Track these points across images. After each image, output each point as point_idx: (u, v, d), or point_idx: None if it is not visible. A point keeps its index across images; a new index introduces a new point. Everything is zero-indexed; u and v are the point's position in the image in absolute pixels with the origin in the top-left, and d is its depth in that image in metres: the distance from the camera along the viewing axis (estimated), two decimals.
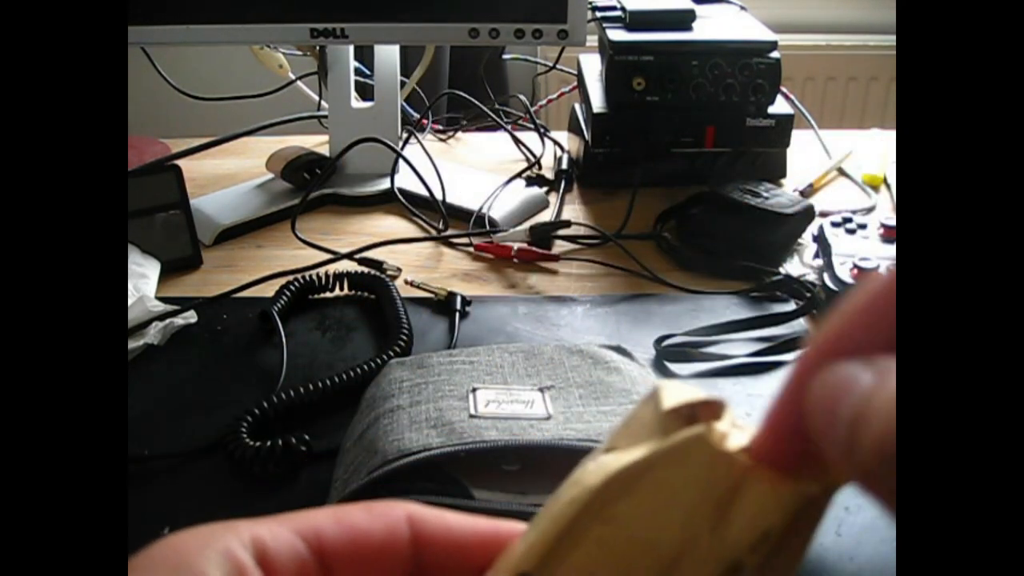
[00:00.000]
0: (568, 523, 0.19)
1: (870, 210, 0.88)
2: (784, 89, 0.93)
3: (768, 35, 0.89)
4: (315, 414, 0.58)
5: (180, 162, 0.77)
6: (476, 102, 1.07)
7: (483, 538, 0.22)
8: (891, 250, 0.70)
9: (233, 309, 0.70)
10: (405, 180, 0.90)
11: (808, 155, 0.99)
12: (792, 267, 0.76)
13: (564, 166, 0.95)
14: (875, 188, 0.93)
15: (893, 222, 0.74)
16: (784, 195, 0.81)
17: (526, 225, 0.81)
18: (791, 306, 0.70)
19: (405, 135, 0.96)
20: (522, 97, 1.08)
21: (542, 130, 1.03)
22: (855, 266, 0.67)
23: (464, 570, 0.22)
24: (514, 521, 0.22)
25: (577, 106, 1.02)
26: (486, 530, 0.22)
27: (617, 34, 0.90)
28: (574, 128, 1.00)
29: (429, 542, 0.22)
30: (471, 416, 0.45)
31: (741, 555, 0.18)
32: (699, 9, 0.93)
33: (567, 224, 0.81)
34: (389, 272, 0.75)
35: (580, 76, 1.03)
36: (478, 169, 0.98)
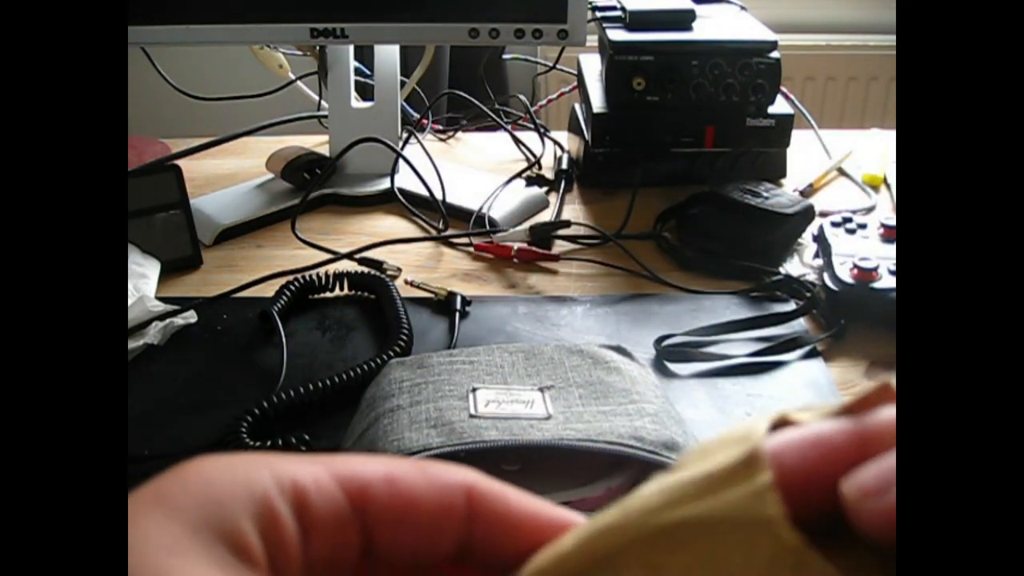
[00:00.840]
0: (609, 552, 0.18)
1: (870, 210, 0.88)
2: (784, 89, 0.93)
3: (768, 35, 0.89)
4: (315, 414, 0.58)
5: (180, 162, 0.77)
6: (476, 102, 1.07)
7: (543, 525, 0.20)
8: (891, 250, 0.70)
9: (233, 309, 0.70)
10: (405, 180, 0.90)
11: (808, 155, 0.99)
12: (792, 267, 0.76)
13: (564, 166, 0.95)
14: (875, 188, 0.93)
15: (893, 222, 0.74)
16: (784, 195, 0.81)
17: (526, 225, 0.81)
18: (791, 306, 0.70)
19: (405, 135, 0.96)
20: (522, 97, 1.08)
21: (542, 130, 1.03)
22: (855, 266, 0.67)
23: (516, 552, 0.20)
24: (578, 514, 0.21)
25: (577, 106, 1.02)
26: (548, 518, 0.20)
27: (617, 34, 0.90)
28: (574, 128, 1.00)
29: (485, 519, 0.20)
30: (471, 416, 0.45)
31: None
32: (699, 9, 0.93)
33: (567, 224, 0.81)
34: (389, 272, 0.75)
35: (580, 76, 1.03)
36: (478, 169, 0.98)
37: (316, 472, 0.19)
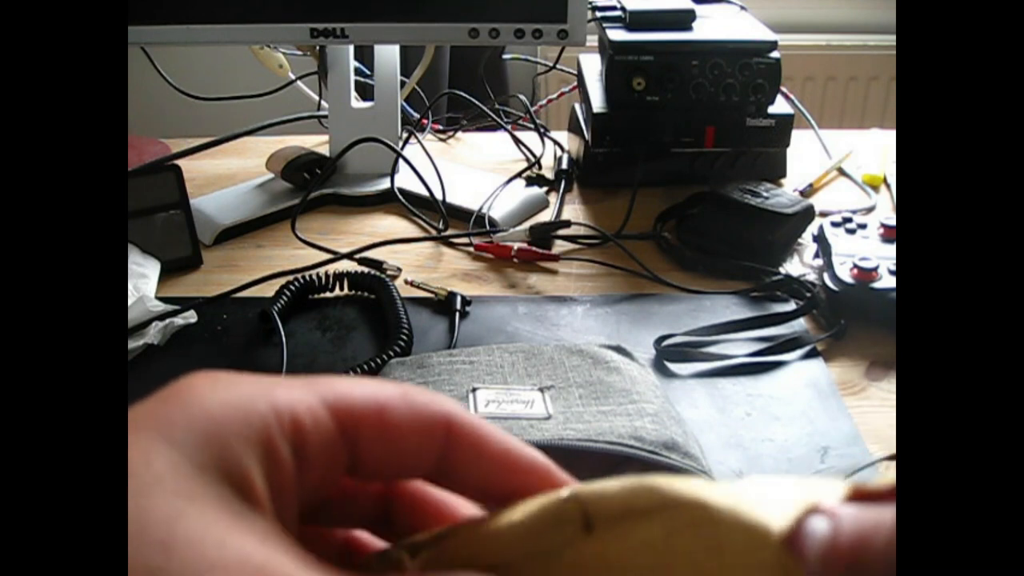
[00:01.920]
0: (653, 508, 0.19)
1: (870, 210, 0.88)
2: (784, 89, 0.93)
3: (768, 35, 0.89)
4: None
5: (180, 162, 0.77)
6: (476, 102, 1.07)
7: (512, 460, 0.22)
8: (891, 250, 0.70)
9: (233, 309, 0.70)
10: (405, 180, 0.90)
11: (808, 155, 0.99)
12: (792, 267, 0.76)
13: (564, 166, 0.95)
14: (875, 188, 0.93)
15: (893, 222, 0.74)
16: (784, 195, 0.81)
17: (526, 225, 0.81)
18: (791, 306, 0.70)
19: (405, 135, 0.96)
20: (522, 97, 1.08)
21: (542, 130, 1.03)
22: (855, 266, 0.67)
23: (487, 479, 0.22)
24: (553, 463, 0.22)
25: (577, 106, 1.02)
26: (518, 455, 0.22)
27: (617, 34, 0.90)
28: (574, 128, 1.00)
29: (460, 448, 0.22)
30: None
31: None
32: (699, 9, 0.93)
33: (567, 224, 0.81)
34: (389, 272, 0.75)
35: (580, 76, 1.03)
36: (478, 169, 0.98)
37: (310, 402, 0.20)
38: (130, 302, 0.66)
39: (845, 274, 0.67)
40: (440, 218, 0.85)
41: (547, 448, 0.43)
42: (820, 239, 0.73)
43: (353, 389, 0.21)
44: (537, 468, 0.22)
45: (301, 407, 0.20)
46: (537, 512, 0.20)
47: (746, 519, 0.18)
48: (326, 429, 0.20)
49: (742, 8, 1.00)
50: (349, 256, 0.76)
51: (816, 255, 0.75)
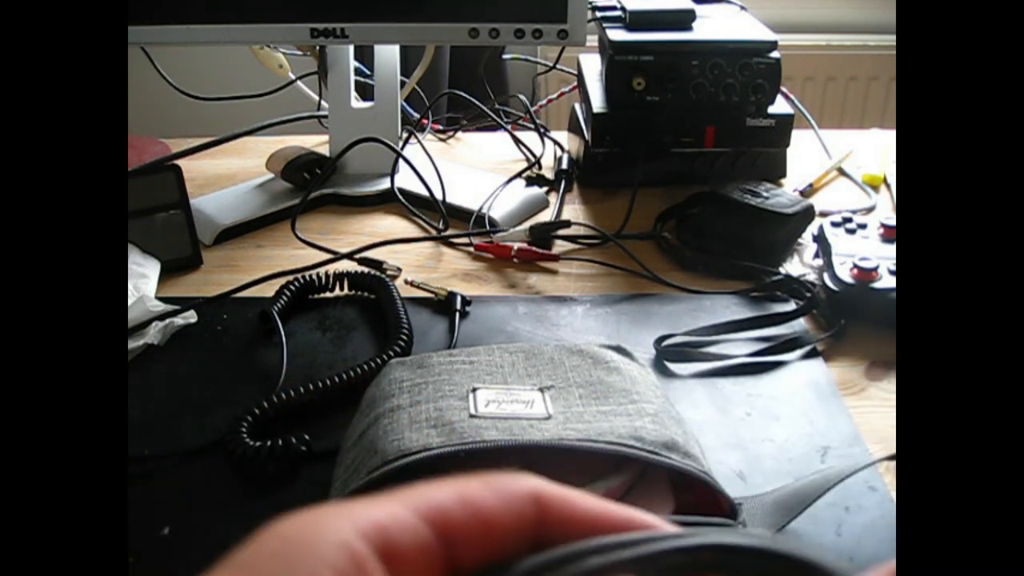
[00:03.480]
0: None
1: (870, 210, 0.88)
2: (784, 89, 0.93)
3: (768, 35, 0.89)
4: (315, 414, 0.57)
5: (180, 162, 0.77)
6: (476, 102, 1.07)
7: (612, 523, 0.21)
8: (891, 250, 0.70)
9: (233, 309, 0.70)
10: (405, 180, 0.90)
11: (808, 155, 0.99)
12: (792, 267, 0.76)
13: (564, 166, 0.95)
14: (875, 188, 0.93)
15: (893, 222, 0.74)
16: (784, 195, 0.81)
17: (526, 225, 0.81)
18: (791, 306, 0.70)
19: (405, 135, 0.96)
20: (522, 97, 1.08)
21: (542, 130, 1.03)
22: (855, 266, 0.67)
23: None
24: (653, 517, 0.21)
25: (577, 106, 1.02)
26: (615, 516, 0.21)
27: (617, 34, 0.90)
28: (574, 128, 1.00)
29: (556, 522, 0.21)
30: (471, 416, 0.45)
31: None
32: (699, 9, 0.93)
33: (567, 224, 0.81)
34: (389, 272, 0.75)
35: (580, 76, 1.03)
36: (478, 169, 0.98)
37: (394, 510, 0.20)
38: (130, 302, 0.66)
39: (845, 274, 0.67)
40: (440, 218, 0.85)
41: (547, 448, 0.43)
42: (820, 239, 0.73)
43: (436, 489, 0.21)
44: (634, 524, 0.21)
45: (383, 515, 0.19)
46: None
47: None
48: (415, 531, 0.20)
49: (742, 8, 1.00)
50: (349, 256, 0.76)
51: (816, 255, 0.75)
